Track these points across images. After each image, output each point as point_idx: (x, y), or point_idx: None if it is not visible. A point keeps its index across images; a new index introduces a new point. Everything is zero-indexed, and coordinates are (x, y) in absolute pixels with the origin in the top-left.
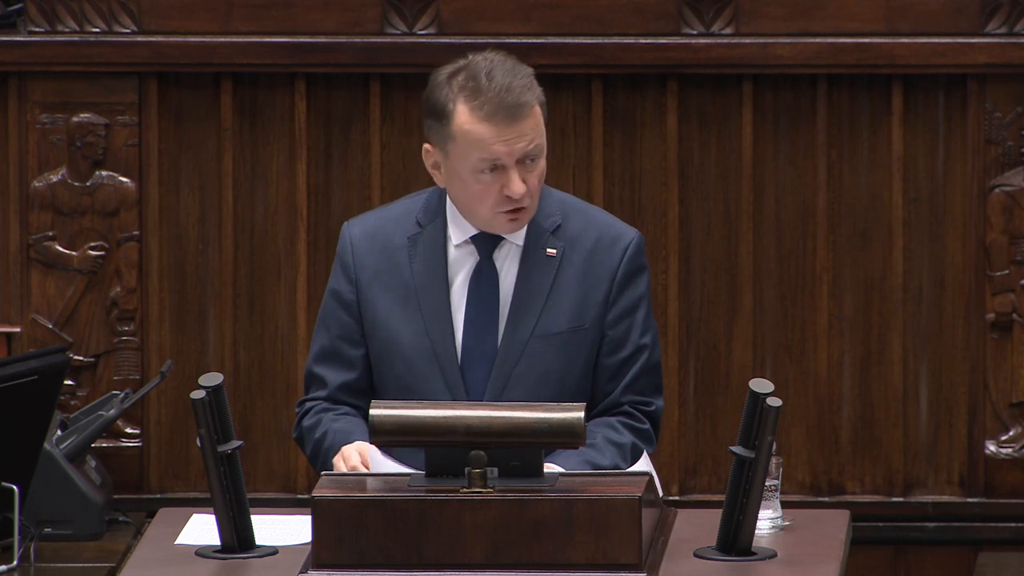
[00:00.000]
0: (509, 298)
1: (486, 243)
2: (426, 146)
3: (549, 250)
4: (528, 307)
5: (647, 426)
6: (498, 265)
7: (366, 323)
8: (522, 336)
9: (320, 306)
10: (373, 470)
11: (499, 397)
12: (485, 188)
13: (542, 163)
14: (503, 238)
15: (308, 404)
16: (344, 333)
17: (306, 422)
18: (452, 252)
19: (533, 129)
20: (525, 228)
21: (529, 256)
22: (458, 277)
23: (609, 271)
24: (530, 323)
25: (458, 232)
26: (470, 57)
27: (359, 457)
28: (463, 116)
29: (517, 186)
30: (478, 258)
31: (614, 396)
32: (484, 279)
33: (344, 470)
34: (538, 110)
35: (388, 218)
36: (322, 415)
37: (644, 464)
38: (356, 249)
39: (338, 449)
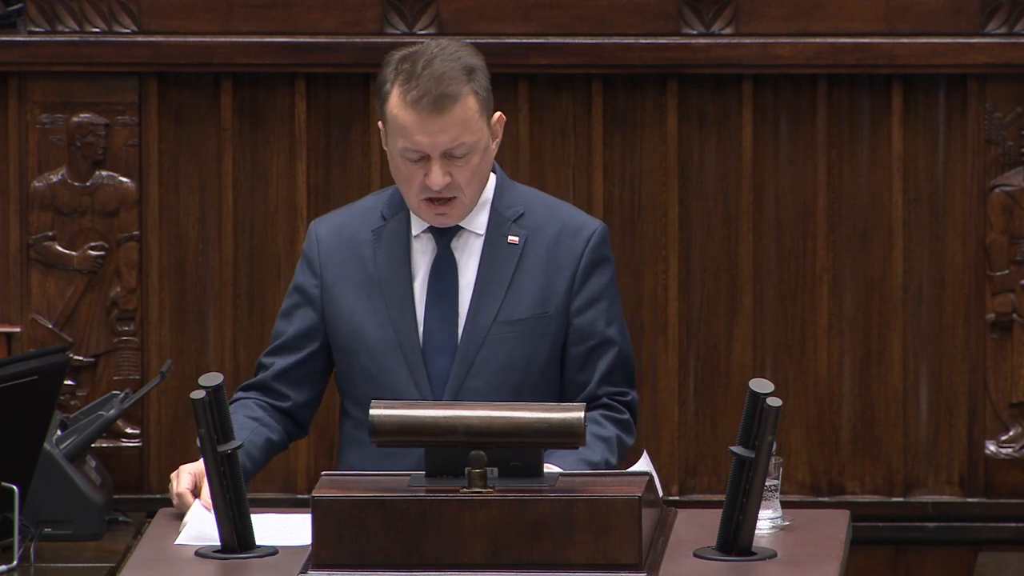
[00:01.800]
0: (471, 286)
1: (443, 233)
2: (379, 123)
3: (511, 238)
4: (490, 294)
5: (627, 416)
6: (458, 254)
7: (330, 319)
8: (484, 323)
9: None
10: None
11: (462, 384)
12: (411, 173)
13: (475, 159)
14: (461, 226)
15: (239, 394)
16: (302, 328)
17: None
18: (414, 243)
19: (459, 124)
20: (486, 218)
21: (491, 244)
22: (420, 268)
23: (572, 259)
24: (492, 310)
25: (418, 223)
26: (427, 41)
27: (189, 480)
28: (394, 100)
29: (434, 179)
30: (437, 248)
31: (590, 389)
32: (443, 268)
33: (176, 490)
34: (470, 102)
35: (354, 214)
36: (237, 408)
37: (644, 464)
38: (322, 246)
39: None
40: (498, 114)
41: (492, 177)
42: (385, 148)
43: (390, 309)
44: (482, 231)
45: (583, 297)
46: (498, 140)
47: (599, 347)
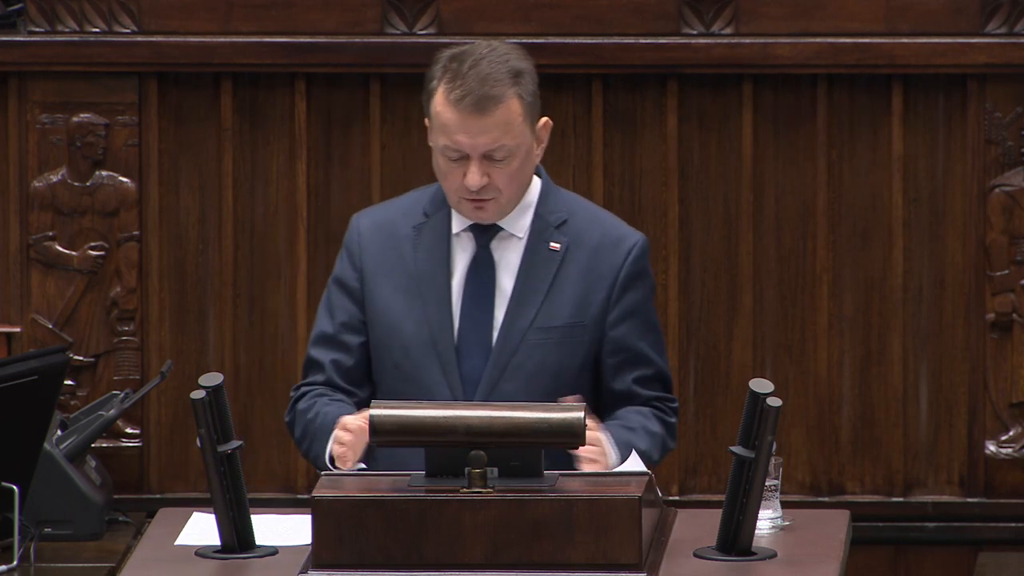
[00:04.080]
0: (509, 289)
1: (483, 232)
2: (425, 119)
3: (553, 244)
4: (529, 299)
5: (674, 421)
6: (497, 255)
7: (368, 312)
8: (520, 327)
9: (323, 294)
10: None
11: (495, 387)
12: (450, 171)
13: (515, 163)
14: (501, 228)
15: (304, 389)
16: (346, 320)
17: (300, 405)
18: (454, 241)
19: (500, 126)
20: (529, 221)
21: (532, 249)
22: (458, 266)
23: (612, 270)
24: (530, 315)
25: (458, 221)
26: (478, 41)
27: (356, 423)
28: (439, 97)
29: (472, 178)
30: (476, 247)
31: (632, 396)
32: (481, 269)
33: (344, 440)
34: (514, 106)
35: (397, 209)
36: (317, 399)
37: (634, 463)
38: (363, 238)
39: (328, 429)
40: (544, 119)
41: (537, 181)
42: (430, 143)
43: (427, 306)
44: (522, 234)
45: (619, 310)
46: (543, 145)
47: (633, 360)
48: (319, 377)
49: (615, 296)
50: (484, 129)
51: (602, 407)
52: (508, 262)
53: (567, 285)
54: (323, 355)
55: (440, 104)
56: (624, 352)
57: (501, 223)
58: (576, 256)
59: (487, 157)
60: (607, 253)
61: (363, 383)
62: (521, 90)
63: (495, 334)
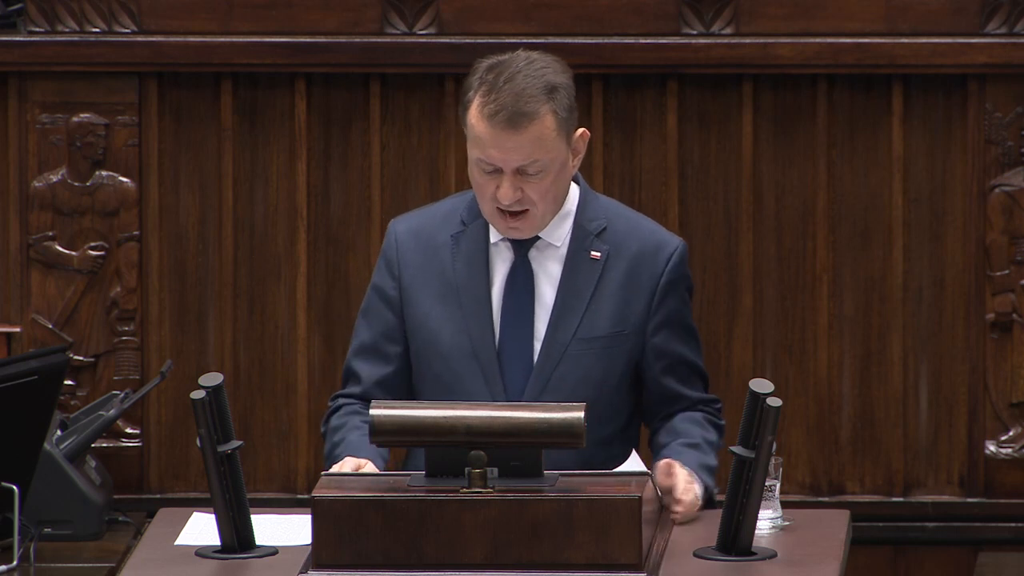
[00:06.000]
0: (550, 299)
1: (521, 242)
2: (464, 128)
3: (593, 253)
4: (571, 309)
5: (723, 423)
6: (536, 265)
7: (408, 320)
8: (563, 338)
9: (363, 300)
10: None
11: (538, 398)
12: (484, 183)
13: (549, 178)
14: (539, 237)
15: (341, 400)
16: (385, 329)
17: (334, 421)
18: (492, 250)
19: (533, 142)
20: (568, 230)
21: (573, 258)
22: (498, 276)
23: (651, 279)
24: (572, 325)
25: (496, 231)
26: (517, 52)
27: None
28: (473, 110)
29: (504, 193)
30: (515, 257)
31: (683, 396)
32: (520, 279)
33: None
34: (548, 122)
35: (434, 216)
36: (350, 418)
37: (634, 463)
38: (401, 246)
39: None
40: (581, 130)
41: (575, 189)
42: (468, 152)
43: (467, 317)
44: (560, 243)
45: (659, 317)
46: (580, 156)
47: (675, 364)
48: (356, 389)
49: (655, 304)
50: (517, 145)
51: (647, 410)
52: (548, 272)
53: (608, 294)
54: (362, 366)
55: (474, 117)
56: (667, 357)
57: (540, 232)
58: (616, 264)
59: (520, 172)
60: (647, 261)
61: (402, 392)
62: (555, 105)
63: (536, 345)
